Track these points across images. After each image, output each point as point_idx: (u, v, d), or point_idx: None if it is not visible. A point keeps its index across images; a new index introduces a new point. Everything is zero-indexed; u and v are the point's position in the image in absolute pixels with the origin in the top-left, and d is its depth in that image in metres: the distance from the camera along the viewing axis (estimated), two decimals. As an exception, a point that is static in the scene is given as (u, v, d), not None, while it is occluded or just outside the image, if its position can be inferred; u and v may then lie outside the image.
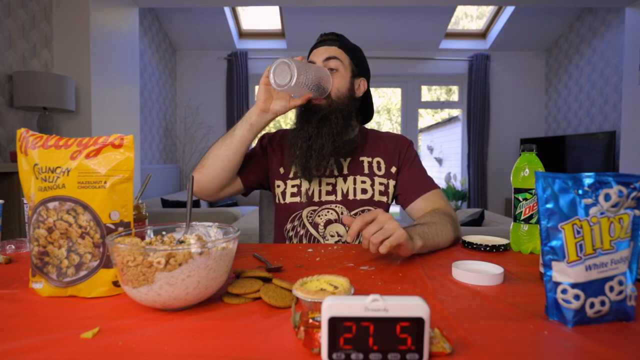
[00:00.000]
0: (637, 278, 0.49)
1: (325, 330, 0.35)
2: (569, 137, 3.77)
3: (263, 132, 1.11)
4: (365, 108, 1.11)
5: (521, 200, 0.81)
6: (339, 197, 1.00)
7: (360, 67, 1.04)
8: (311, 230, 1.00)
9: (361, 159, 1.04)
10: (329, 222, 0.99)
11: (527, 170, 0.81)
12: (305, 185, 1.01)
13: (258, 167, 1.05)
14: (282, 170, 1.05)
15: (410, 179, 1.03)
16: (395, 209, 1.19)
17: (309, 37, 4.11)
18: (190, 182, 0.62)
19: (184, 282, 0.46)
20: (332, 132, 0.96)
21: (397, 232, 0.66)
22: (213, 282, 0.49)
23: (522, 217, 0.81)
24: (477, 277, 0.59)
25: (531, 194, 0.80)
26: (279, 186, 1.04)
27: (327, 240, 0.99)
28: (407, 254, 0.71)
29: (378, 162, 1.04)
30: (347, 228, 0.97)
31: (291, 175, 1.03)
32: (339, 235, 0.99)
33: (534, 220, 0.80)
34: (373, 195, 1.01)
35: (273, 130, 1.15)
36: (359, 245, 0.89)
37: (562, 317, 0.45)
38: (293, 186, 1.02)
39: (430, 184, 1.02)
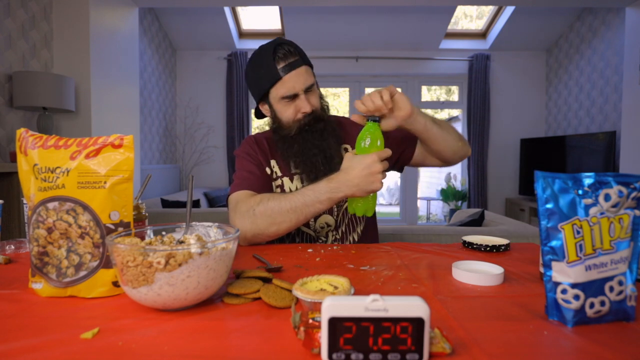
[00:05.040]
0: (637, 278, 0.49)
1: (325, 331, 0.35)
2: (569, 137, 3.77)
3: (243, 148, 1.08)
4: None
5: None
6: None
7: (313, 69, 1.04)
8: (302, 227, 1.01)
9: (345, 146, 1.07)
10: (318, 215, 1.00)
11: (368, 140, 0.81)
12: (287, 183, 1.02)
13: (268, 180, 1.04)
14: (268, 171, 1.05)
15: (398, 136, 1.05)
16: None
17: (309, 37, 4.15)
18: (191, 182, 0.62)
19: (183, 283, 0.46)
20: (338, 141, 1.00)
21: (399, 94, 0.81)
22: (213, 282, 0.49)
23: None
24: (477, 277, 0.59)
25: None
26: None
27: (319, 232, 1.01)
28: (406, 111, 0.82)
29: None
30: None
31: (273, 177, 1.04)
32: (328, 225, 1.01)
33: None
34: None
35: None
36: (359, 245, 0.89)
37: (562, 317, 0.45)
38: (277, 187, 1.03)
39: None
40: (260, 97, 1.02)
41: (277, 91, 0.96)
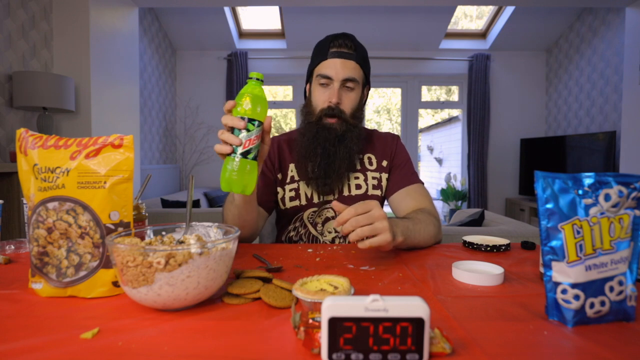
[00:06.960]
0: (637, 278, 0.49)
1: (325, 331, 0.35)
2: (569, 137, 3.77)
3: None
4: None
5: (242, 131, 0.68)
6: (336, 195, 1.02)
7: (368, 75, 1.04)
8: (311, 229, 1.02)
9: (368, 155, 1.07)
10: (326, 220, 1.02)
11: (240, 102, 0.68)
12: (303, 188, 1.02)
13: (269, 185, 1.04)
14: (280, 176, 1.05)
15: (397, 173, 1.05)
16: (388, 208, 1.16)
17: (309, 37, 4.14)
18: (191, 182, 0.62)
19: (183, 283, 0.46)
20: (349, 153, 0.98)
21: (384, 235, 0.66)
22: (213, 282, 0.49)
23: (240, 151, 0.68)
24: (477, 277, 0.59)
25: (254, 124, 0.68)
26: (278, 193, 1.04)
27: (325, 237, 1.01)
28: (385, 249, 0.71)
29: (369, 158, 1.07)
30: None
31: (288, 180, 1.04)
32: (336, 231, 1.01)
33: (251, 156, 0.69)
34: (367, 189, 1.03)
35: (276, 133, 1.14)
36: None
37: (562, 317, 0.45)
38: (291, 190, 1.03)
39: (413, 177, 1.04)
40: (308, 75, 1.06)
41: (318, 70, 0.99)
